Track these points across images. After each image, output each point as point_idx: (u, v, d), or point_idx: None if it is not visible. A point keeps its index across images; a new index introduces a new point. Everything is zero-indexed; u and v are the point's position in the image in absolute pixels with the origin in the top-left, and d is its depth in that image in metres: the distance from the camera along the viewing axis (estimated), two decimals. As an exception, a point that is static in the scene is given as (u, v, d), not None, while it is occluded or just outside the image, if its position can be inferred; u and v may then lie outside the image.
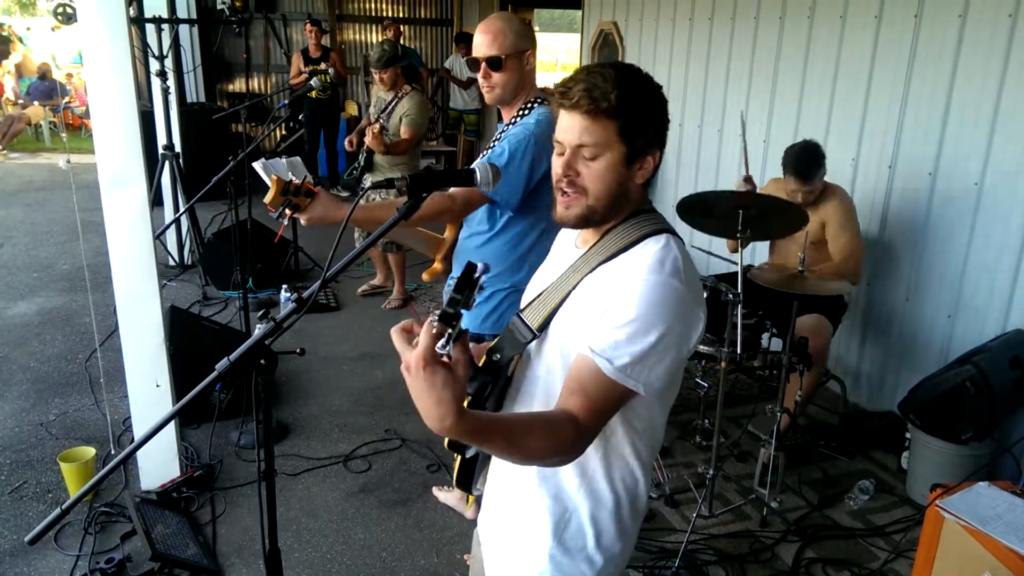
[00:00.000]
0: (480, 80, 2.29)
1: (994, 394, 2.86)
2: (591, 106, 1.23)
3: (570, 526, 1.36)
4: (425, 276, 2.60)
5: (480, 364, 1.39)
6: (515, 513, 1.42)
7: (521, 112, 2.32)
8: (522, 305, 1.45)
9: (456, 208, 2.25)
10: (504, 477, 1.45)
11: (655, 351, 1.20)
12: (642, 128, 1.27)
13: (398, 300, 5.31)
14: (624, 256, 1.29)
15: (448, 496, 3.11)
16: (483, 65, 2.25)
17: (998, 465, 3.06)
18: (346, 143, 5.07)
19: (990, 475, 2.94)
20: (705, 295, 2.99)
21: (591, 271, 1.30)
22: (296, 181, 2.00)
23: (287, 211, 2.01)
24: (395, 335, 1.12)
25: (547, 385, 1.34)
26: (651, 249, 1.27)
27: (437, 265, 2.54)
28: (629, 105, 1.24)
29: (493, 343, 1.42)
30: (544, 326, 1.34)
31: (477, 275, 1.09)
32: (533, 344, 1.36)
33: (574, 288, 1.31)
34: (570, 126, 1.27)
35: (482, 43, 2.24)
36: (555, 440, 1.18)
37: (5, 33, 15.04)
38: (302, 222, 2.09)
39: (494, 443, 1.15)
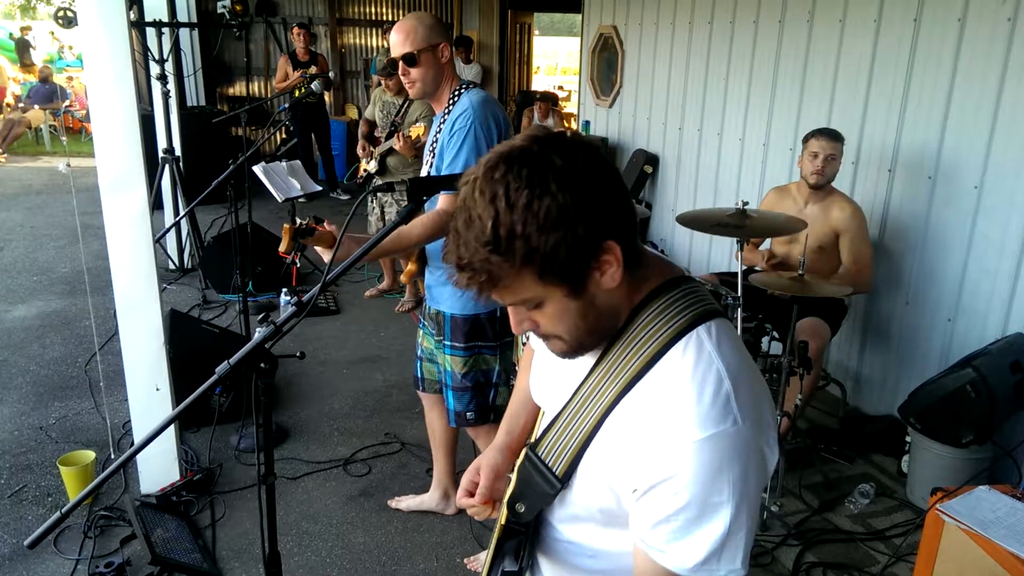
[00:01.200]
0: (401, 78, 2.44)
1: (994, 398, 2.85)
2: (484, 281, 0.93)
3: None
4: (403, 278, 2.71)
5: (503, 520, 1.17)
6: None
7: (452, 100, 2.45)
8: (535, 430, 1.24)
9: (452, 215, 2.30)
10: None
11: (733, 529, 0.93)
12: (565, 248, 0.90)
13: (411, 302, 5.31)
14: (651, 380, 0.99)
15: (412, 502, 3.08)
16: (400, 63, 2.39)
17: (998, 469, 3.06)
18: (359, 149, 5.05)
19: (990, 479, 2.94)
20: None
21: (616, 403, 1.01)
22: (302, 223, 2.10)
23: (296, 254, 2.13)
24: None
25: (580, 535, 1.13)
26: (683, 371, 0.96)
27: (411, 266, 2.62)
28: (518, 242, 0.89)
29: (511, 491, 1.17)
30: (570, 472, 1.06)
31: None
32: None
33: (599, 425, 1.03)
34: (497, 290, 0.97)
35: (396, 42, 2.39)
36: None
37: (28, 37, 15.12)
38: (325, 259, 2.16)
39: None
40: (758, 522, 1.03)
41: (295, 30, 7.84)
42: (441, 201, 2.34)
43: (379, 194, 4.92)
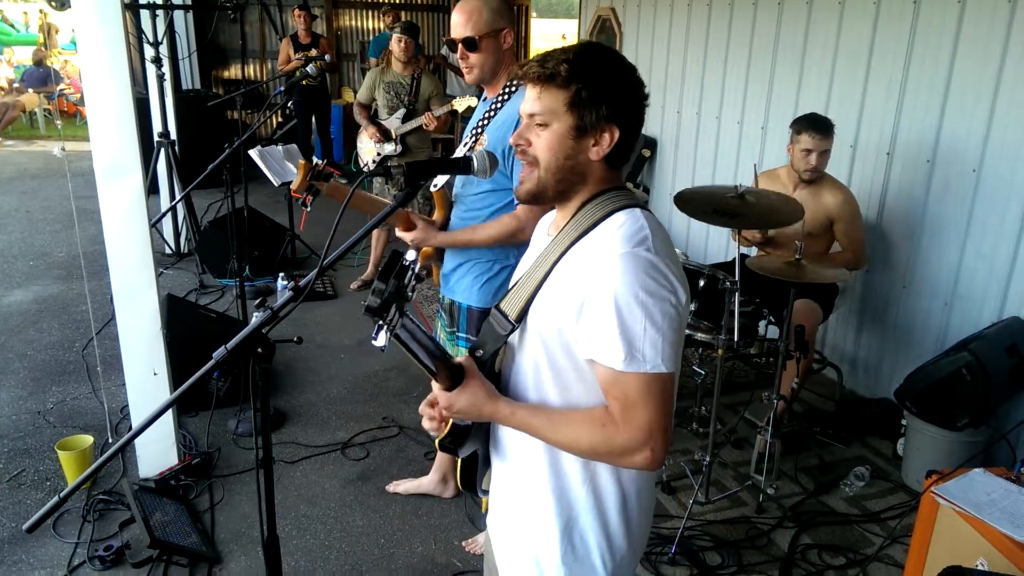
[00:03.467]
0: (459, 60, 2.30)
1: (990, 381, 2.87)
2: (540, 72, 1.24)
3: (578, 527, 1.33)
4: (421, 260, 2.59)
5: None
6: (522, 518, 1.39)
7: (507, 89, 2.32)
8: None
9: (524, 224, 2.22)
10: (508, 478, 1.41)
11: (650, 327, 1.17)
12: (594, 100, 1.24)
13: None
14: (591, 235, 1.26)
15: (411, 486, 3.08)
16: (460, 46, 2.26)
17: (993, 452, 3.08)
18: (369, 136, 4.91)
19: (985, 462, 2.96)
20: (702, 283, 3.00)
21: (562, 255, 1.27)
22: (319, 164, 2.01)
23: (308, 196, 2.03)
24: (422, 409, 1.31)
25: (535, 377, 1.31)
26: (616, 223, 1.24)
27: (428, 248, 2.53)
28: (581, 76, 1.23)
29: (476, 340, 1.41)
30: (522, 315, 1.30)
31: (407, 263, 1.11)
32: (515, 336, 1.33)
33: (548, 274, 1.28)
34: (526, 97, 1.29)
35: (458, 23, 2.25)
36: (593, 428, 1.22)
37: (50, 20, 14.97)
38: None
39: (536, 427, 1.27)
40: (679, 350, 1.25)
41: (296, 12, 7.78)
42: (520, 207, 2.24)
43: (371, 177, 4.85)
